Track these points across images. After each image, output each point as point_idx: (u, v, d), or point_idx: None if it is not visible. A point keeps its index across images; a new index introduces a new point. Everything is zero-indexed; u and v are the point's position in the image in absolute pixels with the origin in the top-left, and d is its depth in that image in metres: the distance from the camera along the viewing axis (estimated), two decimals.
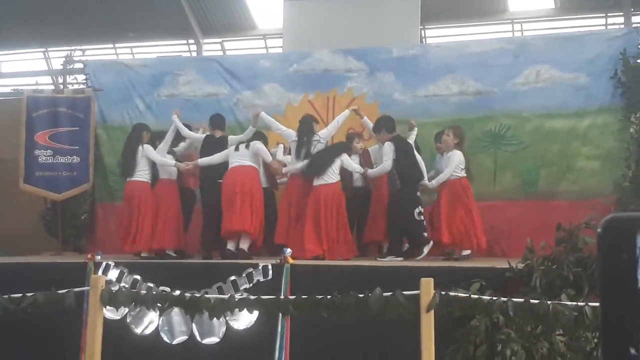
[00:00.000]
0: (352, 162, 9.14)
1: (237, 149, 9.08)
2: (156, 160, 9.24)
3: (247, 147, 9.10)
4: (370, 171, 9.18)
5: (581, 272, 6.10)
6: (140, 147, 9.35)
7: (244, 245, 8.71)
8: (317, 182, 8.86)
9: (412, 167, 8.86)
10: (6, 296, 5.88)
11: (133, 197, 9.31)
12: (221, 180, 9.07)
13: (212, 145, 9.37)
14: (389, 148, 8.87)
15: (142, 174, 9.30)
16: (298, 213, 8.95)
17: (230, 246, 8.72)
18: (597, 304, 4.79)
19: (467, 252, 8.73)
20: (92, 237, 11.30)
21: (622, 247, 1.60)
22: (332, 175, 8.84)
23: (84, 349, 6.98)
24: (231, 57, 15.06)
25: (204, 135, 9.64)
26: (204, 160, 9.22)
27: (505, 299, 4.98)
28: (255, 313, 6.60)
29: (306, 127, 9.31)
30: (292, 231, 8.91)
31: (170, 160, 9.32)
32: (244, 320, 6.99)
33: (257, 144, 9.18)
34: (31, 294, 5.80)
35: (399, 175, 8.84)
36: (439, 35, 16.71)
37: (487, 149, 10.20)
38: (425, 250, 8.49)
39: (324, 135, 9.25)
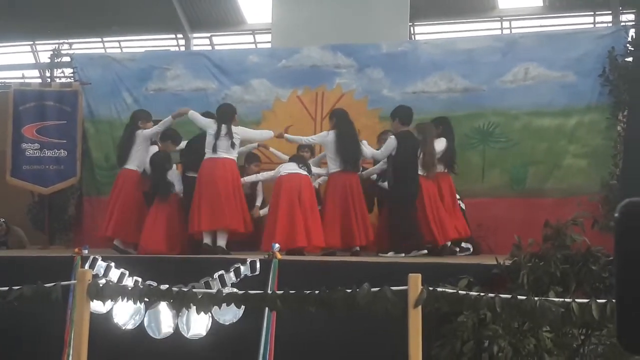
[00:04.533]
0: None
1: (216, 146, 8.76)
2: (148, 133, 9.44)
3: (232, 141, 8.82)
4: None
5: (568, 269, 6.12)
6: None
7: (222, 242, 8.64)
8: (331, 170, 8.95)
9: (412, 165, 8.83)
10: None
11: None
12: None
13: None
14: (390, 143, 8.87)
15: None
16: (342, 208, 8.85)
17: (207, 240, 8.64)
18: (584, 301, 4.82)
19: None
20: (79, 231, 11.26)
21: (638, 231, 1.62)
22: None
23: (67, 343, 6.97)
24: (220, 52, 15.08)
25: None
26: (192, 115, 9.27)
27: (492, 295, 4.99)
28: (242, 308, 6.58)
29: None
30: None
31: None
32: (230, 314, 6.98)
33: (239, 130, 9.02)
34: (18, 287, 5.78)
35: (394, 171, 8.82)
36: (428, 32, 16.75)
37: (475, 146, 10.23)
38: (413, 253, 8.43)
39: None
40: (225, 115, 9.06)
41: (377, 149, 9.26)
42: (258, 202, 9.72)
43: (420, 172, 8.85)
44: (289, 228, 8.49)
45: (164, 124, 9.41)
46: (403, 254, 8.36)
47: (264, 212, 9.42)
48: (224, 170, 8.73)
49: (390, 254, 8.43)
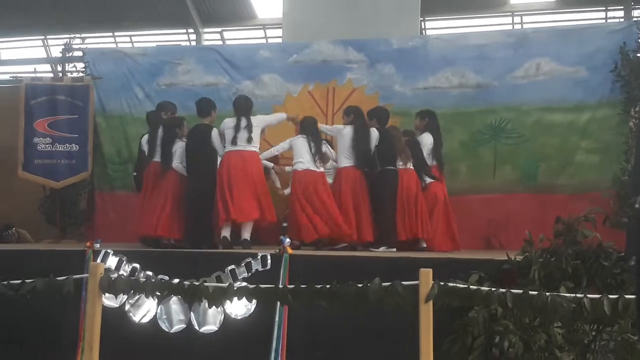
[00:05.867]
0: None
1: (236, 139, 8.78)
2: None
3: (250, 135, 8.81)
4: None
5: (580, 264, 6.10)
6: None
7: (247, 234, 8.68)
8: (343, 164, 8.99)
9: (393, 158, 8.96)
10: (5, 283, 5.89)
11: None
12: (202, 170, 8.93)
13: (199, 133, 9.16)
14: (372, 134, 9.01)
15: None
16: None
17: (226, 233, 8.68)
18: (595, 296, 4.82)
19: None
20: (90, 225, 11.31)
21: None
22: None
23: (82, 337, 7.00)
24: (231, 46, 15.03)
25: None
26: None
27: (504, 290, 4.99)
28: (254, 302, 6.59)
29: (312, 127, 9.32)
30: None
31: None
32: (242, 309, 6.99)
33: (257, 120, 9.04)
34: (31, 280, 5.81)
35: (379, 162, 8.96)
36: (439, 27, 16.73)
37: (487, 141, 10.24)
38: (382, 249, 8.55)
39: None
40: (243, 107, 9.08)
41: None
42: (277, 185, 9.85)
43: (400, 166, 9.01)
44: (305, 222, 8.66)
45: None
46: (395, 249, 8.59)
47: (287, 191, 9.56)
48: (248, 162, 8.76)
49: (382, 249, 8.58)
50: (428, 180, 9.30)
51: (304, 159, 8.94)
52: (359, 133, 8.97)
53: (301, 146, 9.03)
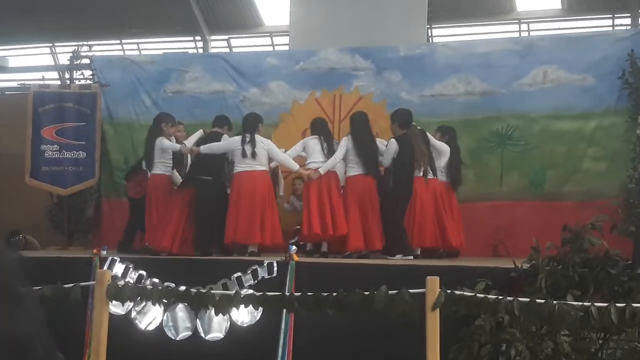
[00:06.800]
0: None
1: (244, 153, 8.76)
2: (167, 146, 9.22)
3: (254, 150, 8.78)
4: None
5: (587, 272, 6.09)
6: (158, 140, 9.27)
7: (254, 247, 8.68)
8: (351, 172, 8.94)
9: (410, 168, 8.89)
10: None
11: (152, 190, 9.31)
12: (209, 178, 8.97)
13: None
14: (390, 146, 8.93)
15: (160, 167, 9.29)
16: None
17: (253, 248, 8.63)
18: (602, 304, 4.80)
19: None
20: (97, 233, 11.33)
21: None
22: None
23: (88, 344, 7.00)
24: (238, 54, 15.07)
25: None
26: (205, 148, 9.02)
27: (511, 298, 4.97)
28: (260, 310, 6.59)
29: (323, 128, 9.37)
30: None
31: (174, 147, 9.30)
32: (248, 316, 6.99)
33: (268, 143, 9.04)
34: (38, 287, 5.81)
35: (394, 173, 8.87)
36: (446, 34, 16.71)
37: (493, 149, 10.22)
38: (398, 257, 8.53)
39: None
40: (249, 124, 9.10)
41: None
42: (281, 192, 9.90)
43: (417, 174, 8.94)
44: (322, 219, 8.68)
45: (175, 148, 9.34)
46: (411, 257, 8.55)
47: (287, 206, 9.75)
48: (258, 184, 8.76)
49: (398, 257, 8.54)
50: (430, 175, 9.29)
51: (317, 159, 8.96)
52: (360, 140, 8.94)
53: (314, 147, 9.06)
